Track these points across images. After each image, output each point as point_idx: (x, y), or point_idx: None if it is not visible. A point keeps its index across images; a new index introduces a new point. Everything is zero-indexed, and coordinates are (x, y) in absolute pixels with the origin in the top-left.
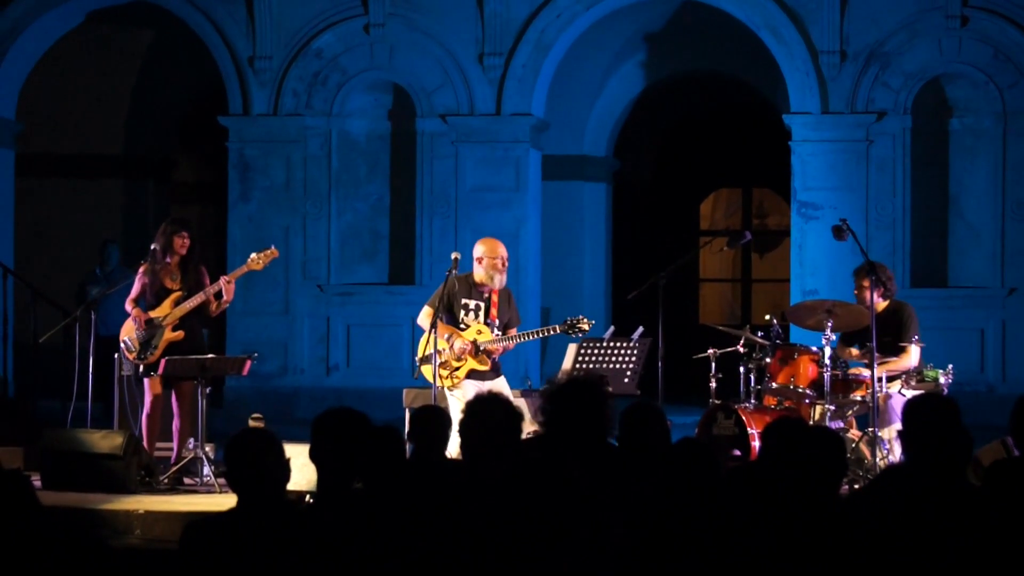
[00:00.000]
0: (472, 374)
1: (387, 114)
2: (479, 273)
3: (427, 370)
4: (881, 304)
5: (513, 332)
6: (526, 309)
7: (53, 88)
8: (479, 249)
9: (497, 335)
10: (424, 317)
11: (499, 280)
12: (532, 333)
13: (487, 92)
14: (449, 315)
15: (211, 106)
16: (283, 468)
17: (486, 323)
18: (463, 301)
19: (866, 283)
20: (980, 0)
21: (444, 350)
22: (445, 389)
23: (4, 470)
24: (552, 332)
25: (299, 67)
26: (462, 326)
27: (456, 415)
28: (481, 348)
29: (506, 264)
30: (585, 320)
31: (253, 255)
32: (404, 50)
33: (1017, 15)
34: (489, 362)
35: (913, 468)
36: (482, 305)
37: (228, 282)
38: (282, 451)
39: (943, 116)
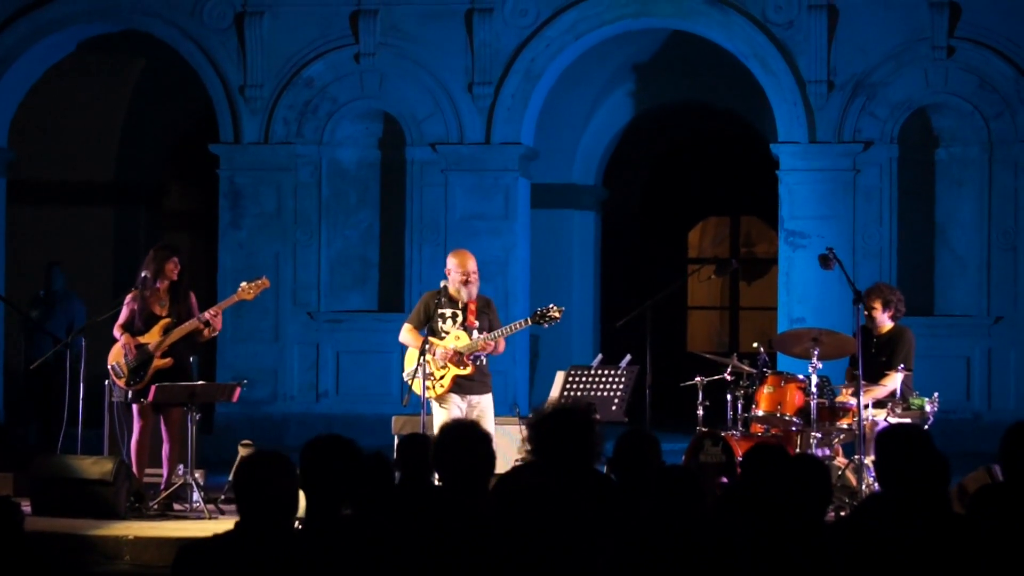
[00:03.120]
0: (457, 382)
1: (377, 142)
2: (450, 286)
3: (416, 385)
4: (887, 326)
5: (486, 334)
6: (514, 336)
7: (44, 116)
8: (449, 262)
9: (476, 339)
10: (404, 333)
11: (467, 293)
12: (506, 329)
13: (477, 121)
14: (429, 330)
15: (202, 134)
16: (293, 496)
17: (464, 329)
18: (439, 311)
19: (876, 305)
20: (966, 31)
21: (428, 360)
22: (432, 401)
23: None
24: (525, 324)
25: (290, 96)
26: (442, 335)
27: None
28: (462, 352)
29: (472, 277)
30: (555, 308)
31: (243, 284)
32: (394, 79)
33: (1003, 46)
34: (471, 366)
35: (890, 498)
36: (459, 312)
37: (215, 315)
38: (295, 478)
39: (929, 146)
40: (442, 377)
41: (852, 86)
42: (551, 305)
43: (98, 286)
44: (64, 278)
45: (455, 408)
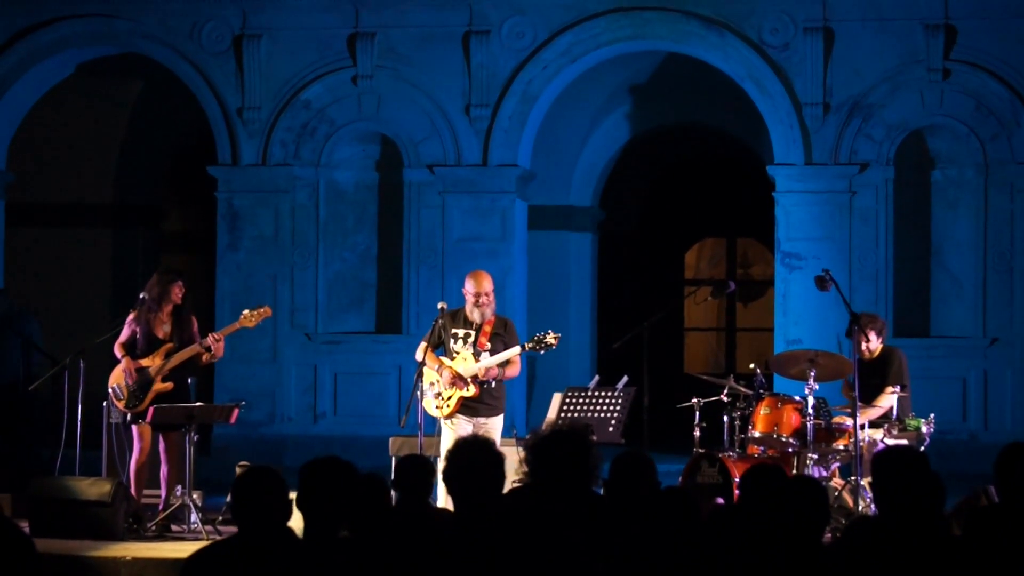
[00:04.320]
0: (465, 403)
1: (375, 164)
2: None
3: (427, 403)
4: (877, 350)
5: (490, 357)
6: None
7: (43, 138)
8: (465, 284)
9: (475, 365)
10: (418, 350)
11: (480, 314)
12: (500, 357)
13: (474, 143)
14: (444, 349)
15: (200, 156)
16: (285, 506)
17: (474, 351)
18: (452, 331)
19: (869, 335)
20: (962, 53)
21: (436, 382)
22: (441, 419)
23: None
24: (523, 350)
25: (288, 118)
26: (453, 355)
27: (447, 447)
28: (465, 376)
29: (484, 299)
30: (552, 334)
31: (246, 312)
32: (392, 101)
33: (999, 68)
34: (475, 388)
35: (885, 520)
36: (472, 333)
37: (217, 340)
38: (286, 490)
39: (925, 168)
40: (449, 398)
41: (848, 108)
42: (548, 331)
43: (96, 307)
44: (9, 303)
45: (461, 429)
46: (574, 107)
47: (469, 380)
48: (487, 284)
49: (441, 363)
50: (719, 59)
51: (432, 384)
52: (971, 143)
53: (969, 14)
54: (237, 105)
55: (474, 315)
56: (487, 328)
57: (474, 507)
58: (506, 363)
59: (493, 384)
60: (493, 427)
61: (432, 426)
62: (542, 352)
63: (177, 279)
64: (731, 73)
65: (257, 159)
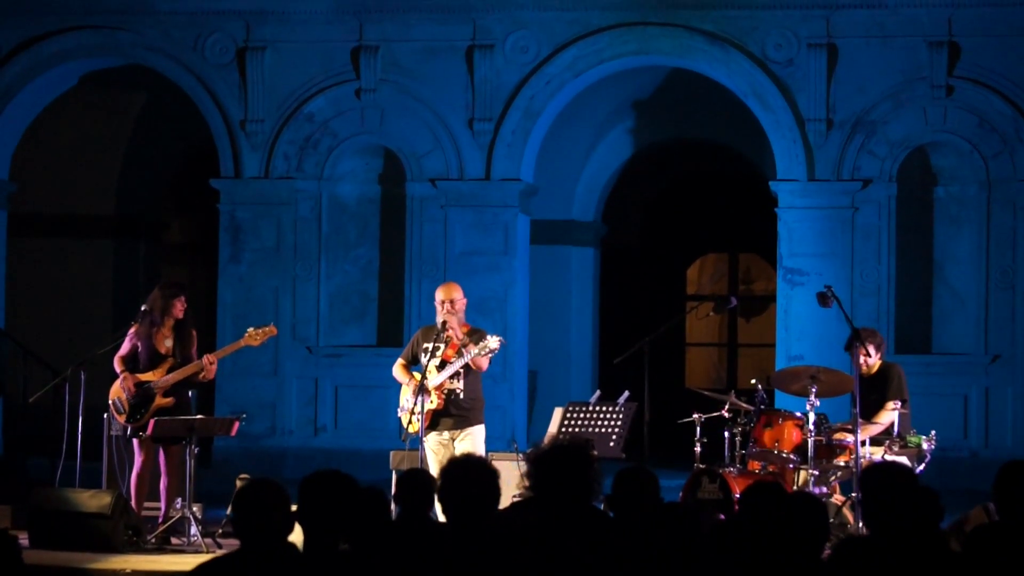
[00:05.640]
0: (433, 418)
1: (377, 178)
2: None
3: (405, 420)
4: (876, 366)
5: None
6: (513, 372)
7: (46, 149)
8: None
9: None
10: (395, 368)
11: (452, 320)
12: (451, 368)
13: (476, 157)
14: (416, 364)
15: (203, 168)
16: (287, 519)
17: (439, 364)
18: (424, 346)
19: (869, 350)
20: (965, 70)
21: (408, 397)
22: (421, 437)
23: None
24: (467, 351)
25: (291, 131)
26: (427, 371)
27: (430, 464)
28: (428, 388)
29: (449, 306)
30: (496, 338)
31: (250, 330)
32: (395, 115)
33: (1002, 85)
34: (438, 400)
35: (875, 537)
36: (440, 347)
37: (211, 363)
38: (288, 503)
39: (928, 184)
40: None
41: (851, 124)
42: (493, 335)
43: (97, 319)
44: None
45: (434, 443)
46: (577, 122)
47: (432, 391)
48: (452, 292)
49: (412, 378)
50: (723, 75)
51: (406, 400)
52: (974, 160)
53: (973, 31)
54: (240, 117)
55: (451, 321)
56: (455, 341)
57: (469, 524)
58: (466, 368)
59: (460, 395)
60: (471, 440)
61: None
62: (484, 355)
63: (179, 294)
64: (734, 89)
65: (260, 172)
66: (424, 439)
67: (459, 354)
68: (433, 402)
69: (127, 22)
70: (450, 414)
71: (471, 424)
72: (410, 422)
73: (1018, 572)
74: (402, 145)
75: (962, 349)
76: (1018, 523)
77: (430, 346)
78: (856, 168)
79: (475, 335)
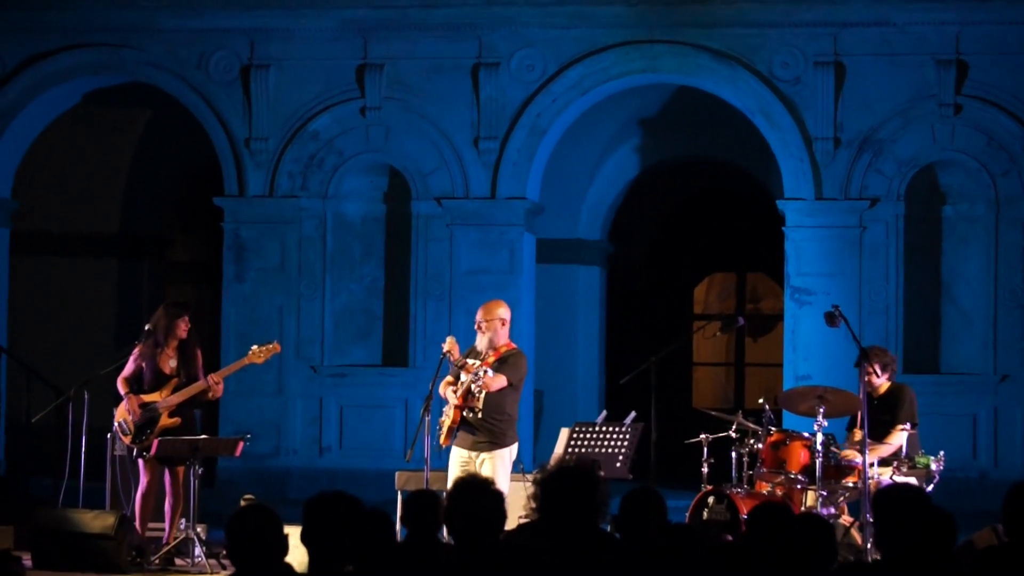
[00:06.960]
0: (460, 431)
1: (382, 196)
2: None
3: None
4: (884, 386)
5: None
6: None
7: (50, 167)
8: None
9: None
10: (441, 385)
11: (483, 341)
12: (463, 388)
13: (482, 175)
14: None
15: (207, 186)
16: (281, 543)
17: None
18: (464, 363)
19: (875, 368)
20: (973, 89)
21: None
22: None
23: None
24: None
25: (295, 149)
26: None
27: (449, 479)
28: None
29: (484, 326)
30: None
31: (254, 348)
32: (400, 133)
33: (1010, 104)
34: (453, 412)
35: (887, 560)
36: (476, 362)
37: (216, 382)
38: (281, 527)
39: (936, 203)
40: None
41: (859, 143)
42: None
43: (101, 338)
44: None
45: (455, 458)
46: (583, 140)
47: (451, 407)
48: (490, 311)
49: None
50: (729, 93)
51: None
52: (982, 179)
53: (981, 49)
54: (244, 135)
55: (479, 343)
56: (491, 358)
57: (474, 546)
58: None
59: (479, 414)
60: (489, 465)
61: (438, 460)
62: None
63: (183, 313)
64: (741, 107)
65: (264, 190)
66: (451, 447)
67: (474, 375)
68: (450, 415)
69: (131, 40)
70: (468, 431)
71: (496, 446)
72: (439, 433)
73: None
74: (407, 163)
75: (971, 369)
76: None
77: (470, 363)
78: (864, 187)
79: (508, 358)
